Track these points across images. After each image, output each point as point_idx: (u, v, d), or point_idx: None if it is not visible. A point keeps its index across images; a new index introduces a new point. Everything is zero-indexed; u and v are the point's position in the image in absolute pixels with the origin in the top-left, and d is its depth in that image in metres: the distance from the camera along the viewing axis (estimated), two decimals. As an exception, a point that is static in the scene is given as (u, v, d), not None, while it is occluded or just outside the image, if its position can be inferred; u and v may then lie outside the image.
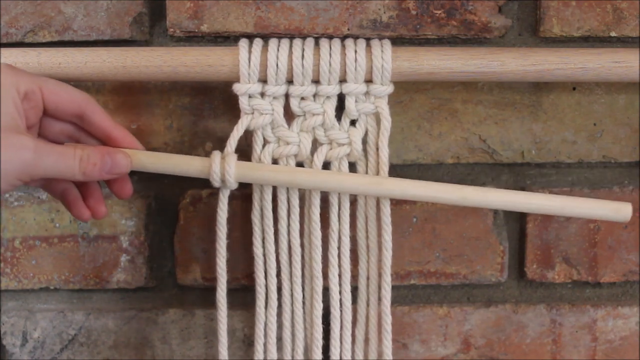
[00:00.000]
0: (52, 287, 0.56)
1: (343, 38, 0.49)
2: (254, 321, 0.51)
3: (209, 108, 0.54)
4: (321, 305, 0.50)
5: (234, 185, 0.48)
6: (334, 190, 0.48)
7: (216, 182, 0.47)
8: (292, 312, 0.51)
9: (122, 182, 0.49)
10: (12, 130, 0.41)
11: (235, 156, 0.47)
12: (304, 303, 0.52)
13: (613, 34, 0.52)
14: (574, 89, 0.54)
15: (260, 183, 0.49)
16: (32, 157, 0.41)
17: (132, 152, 0.47)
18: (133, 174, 0.49)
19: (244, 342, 0.57)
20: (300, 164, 0.50)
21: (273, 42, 0.47)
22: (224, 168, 0.47)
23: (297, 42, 0.47)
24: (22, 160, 0.41)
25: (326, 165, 0.49)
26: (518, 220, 0.57)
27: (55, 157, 0.42)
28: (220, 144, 0.54)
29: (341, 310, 0.51)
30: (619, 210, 0.47)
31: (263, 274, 0.51)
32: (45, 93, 0.44)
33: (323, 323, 0.51)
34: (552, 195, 0.48)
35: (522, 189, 0.56)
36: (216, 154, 0.47)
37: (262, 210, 0.50)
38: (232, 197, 0.53)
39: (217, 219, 0.50)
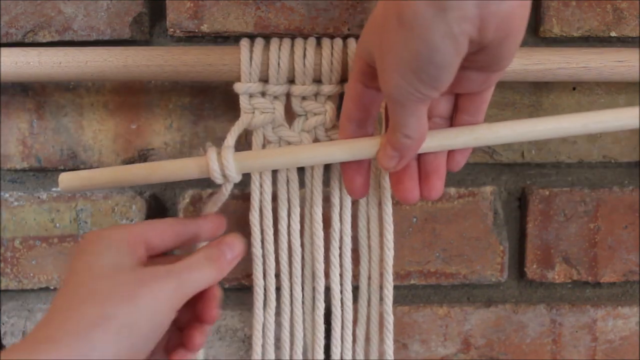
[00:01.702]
0: (52, 287, 0.56)
1: (344, 38, 0.49)
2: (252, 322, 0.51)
3: (209, 108, 0.54)
4: (323, 305, 0.50)
5: (237, 179, 0.46)
6: (337, 160, 0.46)
7: (218, 180, 0.46)
8: (292, 312, 0.51)
9: (208, 306, 0.45)
10: (138, 266, 0.41)
11: (232, 149, 0.46)
12: (303, 303, 0.52)
13: (613, 34, 0.52)
14: (574, 89, 0.54)
15: (263, 169, 0.48)
16: (174, 280, 0.40)
17: (126, 168, 0.46)
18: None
19: (244, 342, 0.57)
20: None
21: (275, 42, 0.48)
22: (222, 163, 0.45)
23: (299, 42, 0.47)
24: (168, 289, 0.39)
25: (327, 165, 0.50)
26: (518, 220, 0.57)
27: (189, 270, 0.41)
28: (220, 144, 0.54)
29: (342, 310, 0.51)
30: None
31: (262, 274, 0.51)
32: (147, 236, 0.43)
33: (324, 323, 0.51)
34: (565, 116, 0.44)
35: (522, 189, 0.56)
36: (212, 150, 0.46)
37: (261, 210, 0.50)
38: (232, 197, 0.53)
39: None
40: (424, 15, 0.34)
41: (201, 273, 0.42)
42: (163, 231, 0.44)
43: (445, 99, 0.44)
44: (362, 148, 0.45)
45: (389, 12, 0.36)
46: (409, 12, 0.34)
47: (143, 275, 0.39)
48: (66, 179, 0.46)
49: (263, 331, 0.51)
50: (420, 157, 0.46)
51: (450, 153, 0.45)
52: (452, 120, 0.45)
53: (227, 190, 0.48)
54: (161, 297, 0.39)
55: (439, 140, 0.44)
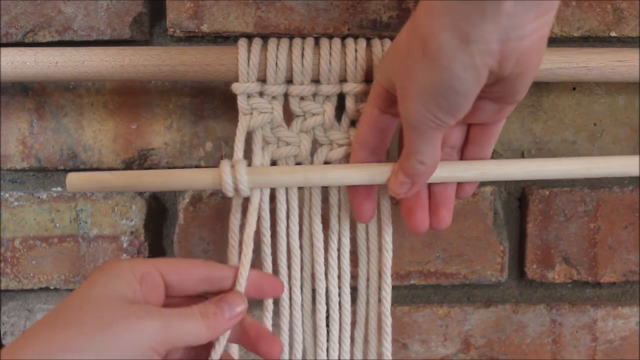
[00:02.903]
0: (52, 287, 0.56)
1: (343, 38, 0.49)
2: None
3: (209, 108, 0.54)
4: (325, 307, 0.50)
5: (248, 193, 0.47)
6: (348, 184, 0.47)
7: (229, 193, 0.46)
8: (291, 314, 0.51)
9: (269, 342, 0.45)
10: (131, 302, 0.40)
11: (245, 163, 0.47)
12: (302, 306, 0.51)
13: (613, 34, 0.52)
14: (574, 89, 0.54)
15: (274, 186, 0.48)
16: (160, 321, 0.39)
17: (138, 174, 0.46)
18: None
19: (244, 342, 0.57)
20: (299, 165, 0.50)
21: (272, 41, 0.47)
22: (235, 178, 0.46)
23: (297, 42, 0.47)
24: (152, 326, 0.38)
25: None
26: (518, 220, 0.57)
27: (179, 317, 0.40)
28: (220, 144, 0.54)
29: (340, 312, 0.51)
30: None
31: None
32: (164, 271, 0.43)
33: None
34: (569, 158, 0.47)
35: (522, 189, 0.56)
36: (225, 164, 0.46)
37: (259, 212, 0.50)
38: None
39: (230, 227, 0.49)
40: (448, 47, 0.35)
41: (191, 325, 0.41)
42: (182, 269, 0.43)
43: (458, 129, 0.46)
44: (373, 173, 0.46)
45: (413, 42, 0.37)
46: (433, 43, 0.36)
47: (130, 309, 0.39)
48: (74, 180, 0.46)
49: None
50: (430, 189, 0.47)
51: (460, 184, 0.48)
52: (462, 152, 0.47)
53: (237, 204, 0.49)
54: (141, 333, 0.38)
55: (448, 172, 0.46)
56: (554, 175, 0.47)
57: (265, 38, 0.49)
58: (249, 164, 0.48)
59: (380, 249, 0.50)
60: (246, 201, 0.49)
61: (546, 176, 0.47)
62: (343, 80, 0.48)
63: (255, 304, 0.55)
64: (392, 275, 0.50)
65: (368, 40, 0.48)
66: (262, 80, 0.48)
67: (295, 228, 0.50)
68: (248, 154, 0.49)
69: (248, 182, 0.46)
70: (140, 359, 0.38)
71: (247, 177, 0.46)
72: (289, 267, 0.50)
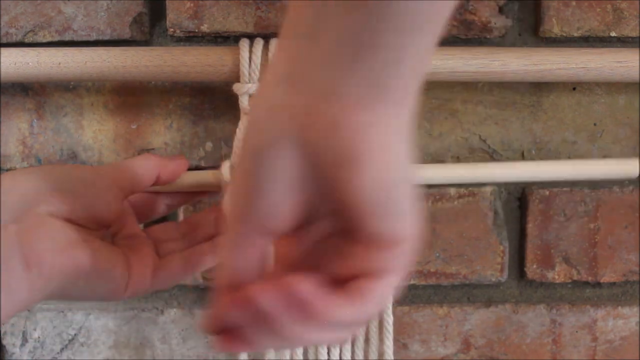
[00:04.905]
0: (52, 287, 0.56)
1: None
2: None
3: (209, 108, 0.54)
4: None
5: None
6: None
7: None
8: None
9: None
10: None
11: None
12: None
13: (613, 34, 0.52)
14: (574, 89, 0.54)
15: None
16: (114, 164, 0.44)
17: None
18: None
19: (244, 342, 0.57)
20: None
21: (274, 42, 0.47)
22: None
23: None
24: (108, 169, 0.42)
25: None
26: (518, 220, 0.57)
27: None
28: (220, 144, 0.54)
29: None
30: (627, 170, 0.48)
31: None
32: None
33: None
34: (559, 161, 0.47)
35: (522, 189, 0.56)
36: (226, 166, 0.47)
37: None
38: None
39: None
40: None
41: (141, 158, 0.44)
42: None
43: None
44: None
45: None
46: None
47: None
48: None
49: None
50: None
51: None
52: None
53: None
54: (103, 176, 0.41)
55: None
56: None
57: (265, 38, 0.49)
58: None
59: None
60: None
61: None
62: None
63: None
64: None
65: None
66: None
67: None
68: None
69: None
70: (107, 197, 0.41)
71: None
72: None
